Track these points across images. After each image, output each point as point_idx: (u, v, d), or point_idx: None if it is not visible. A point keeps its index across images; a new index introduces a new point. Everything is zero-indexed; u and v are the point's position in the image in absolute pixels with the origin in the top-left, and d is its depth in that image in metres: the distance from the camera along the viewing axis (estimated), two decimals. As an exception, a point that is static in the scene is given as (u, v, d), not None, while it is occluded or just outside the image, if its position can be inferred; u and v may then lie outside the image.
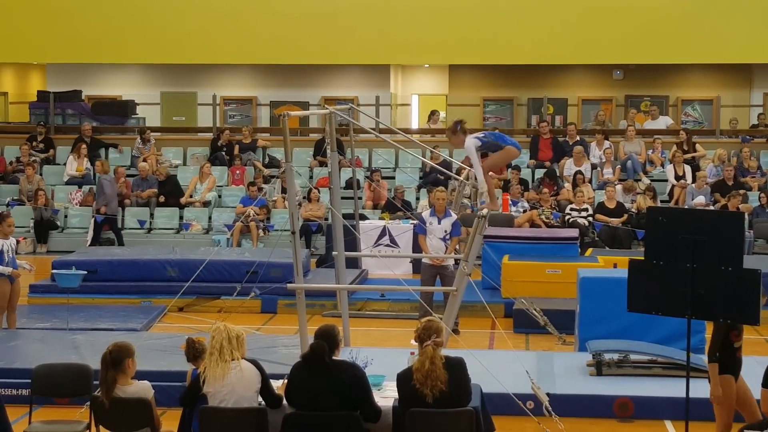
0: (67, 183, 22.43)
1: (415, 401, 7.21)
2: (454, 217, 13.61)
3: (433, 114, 24.68)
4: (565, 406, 9.62)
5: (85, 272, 13.92)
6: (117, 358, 7.35)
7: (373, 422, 7.40)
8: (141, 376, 7.62)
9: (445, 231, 13.42)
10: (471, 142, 10.45)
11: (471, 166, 10.70)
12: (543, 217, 19.65)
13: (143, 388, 7.41)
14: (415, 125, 27.41)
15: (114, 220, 20.66)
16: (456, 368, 7.31)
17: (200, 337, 7.96)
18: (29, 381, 8.51)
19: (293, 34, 23.92)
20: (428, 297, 12.79)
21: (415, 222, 15.75)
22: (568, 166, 21.67)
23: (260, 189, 20.73)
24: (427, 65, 27.46)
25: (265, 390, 7.38)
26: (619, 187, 20.69)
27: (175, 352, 10.87)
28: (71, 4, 24.34)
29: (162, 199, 21.55)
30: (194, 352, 7.74)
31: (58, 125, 24.45)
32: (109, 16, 24.22)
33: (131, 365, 7.42)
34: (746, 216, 19.28)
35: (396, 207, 19.51)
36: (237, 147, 22.91)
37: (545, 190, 20.45)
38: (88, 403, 7.77)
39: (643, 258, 8.23)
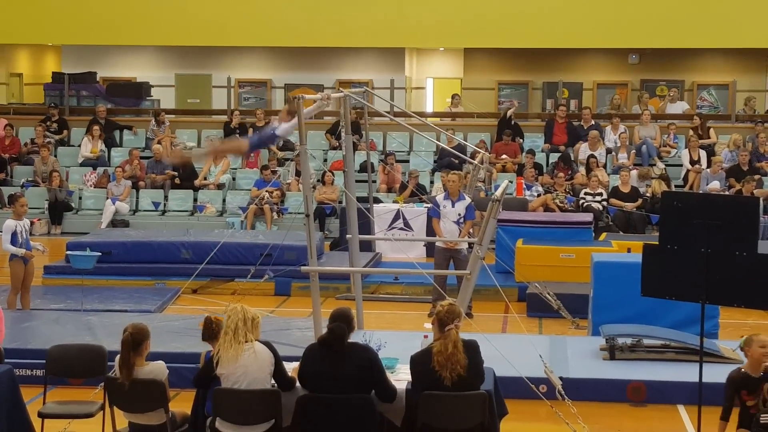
0: (82, 165, 22.48)
1: (432, 384, 7.21)
2: (468, 200, 13.61)
3: (454, 97, 24.68)
4: (578, 390, 9.63)
5: (100, 254, 13.99)
6: (137, 340, 7.37)
7: (389, 402, 7.41)
8: (154, 357, 7.64)
9: (459, 214, 13.42)
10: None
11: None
12: (557, 201, 19.62)
13: (158, 369, 7.43)
14: (429, 109, 27.39)
15: None
16: (470, 351, 7.31)
17: (219, 316, 7.93)
18: (44, 361, 8.54)
19: (308, 16, 23.90)
20: (442, 280, 12.79)
21: (429, 205, 15.75)
22: (583, 151, 21.63)
23: (274, 172, 20.74)
24: (442, 48, 27.41)
25: (278, 372, 7.38)
26: (633, 172, 20.64)
27: (189, 334, 10.92)
28: (86, -14, 24.38)
29: (177, 181, 21.57)
30: (211, 331, 7.72)
31: (73, 107, 24.49)
32: (125, -2, 24.26)
33: (148, 347, 7.45)
34: (761, 201, 19.18)
35: (411, 191, 19.53)
36: (251, 130, 22.91)
37: (560, 174, 20.43)
38: (102, 383, 7.80)
39: (657, 243, 8.21)
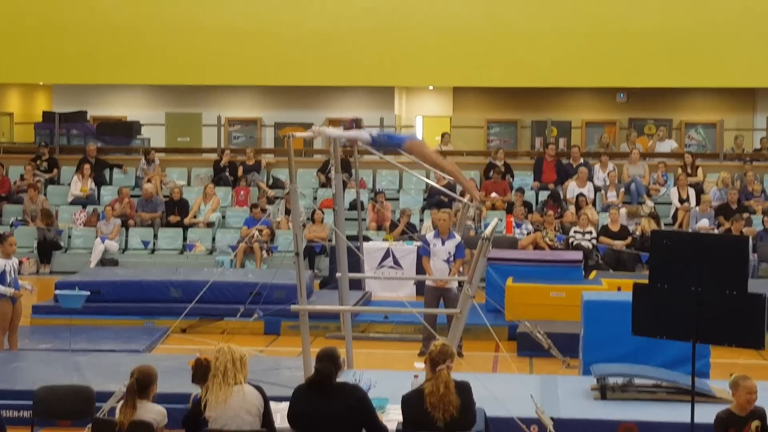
0: (71, 203, 22.45)
1: (425, 425, 7.17)
2: (458, 238, 13.61)
3: (443, 135, 24.74)
4: (569, 430, 9.56)
5: (88, 293, 13.92)
6: (143, 385, 7.25)
7: (381, 440, 7.37)
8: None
9: (449, 253, 13.42)
10: (364, 133, 10.58)
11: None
12: (547, 239, 19.63)
13: (155, 412, 7.29)
14: (419, 147, 27.36)
15: None
16: (462, 392, 7.28)
17: (209, 356, 7.81)
18: (31, 402, 8.48)
19: (298, 55, 23.98)
20: (432, 319, 12.75)
21: (418, 244, 15.73)
22: (572, 189, 21.67)
23: (264, 210, 20.72)
24: (431, 87, 27.50)
25: (265, 418, 7.29)
26: (623, 210, 20.68)
27: (178, 374, 10.82)
28: (77, 25, 24.41)
29: (173, 219, 21.54)
30: (203, 372, 7.51)
31: (63, 146, 24.48)
32: (115, 38, 24.28)
33: (154, 390, 7.32)
34: (750, 240, 19.24)
35: (402, 229, 19.52)
36: (241, 168, 22.93)
37: (549, 212, 20.45)
38: (90, 425, 7.73)
39: (647, 281, 8.21)
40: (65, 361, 11.83)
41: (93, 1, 24.51)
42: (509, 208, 21.08)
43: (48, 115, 25.13)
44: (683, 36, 23.29)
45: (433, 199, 21.26)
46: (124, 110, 26.67)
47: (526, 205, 21.06)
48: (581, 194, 21.15)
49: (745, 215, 20.25)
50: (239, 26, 24.12)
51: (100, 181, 23.13)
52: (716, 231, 19.75)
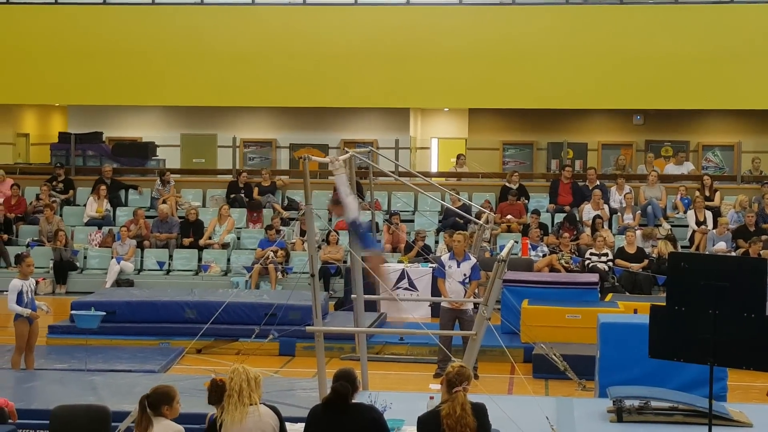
0: (87, 224, 22.50)
1: (442, 446, 7.13)
2: (474, 260, 13.59)
3: (459, 157, 24.72)
4: (585, 452, 9.53)
5: (104, 313, 13.95)
6: (153, 403, 7.22)
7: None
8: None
9: (465, 274, 13.40)
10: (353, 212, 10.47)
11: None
12: (563, 261, 19.58)
13: (173, 430, 7.24)
14: (434, 169, 27.44)
15: None
16: (479, 414, 7.25)
17: (224, 377, 7.76)
18: (47, 422, 8.48)
19: (313, 77, 24.01)
20: (447, 341, 12.72)
21: (434, 265, 15.73)
22: (588, 211, 21.62)
23: (279, 231, 20.73)
24: (446, 109, 27.51)
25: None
26: (639, 232, 20.62)
27: (194, 394, 10.81)
28: (92, 47, 24.48)
29: (187, 241, 21.57)
30: (218, 393, 7.47)
31: (79, 166, 24.55)
32: (130, 59, 24.34)
33: (168, 412, 7.25)
34: (768, 262, 19.15)
35: (417, 250, 19.49)
36: (256, 189, 22.95)
37: (565, 234, 20.40)
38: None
39: (664, 304, 8.17)
40: (81, 381, 11.86)
41: (108, 23, 24.60)
42: (525, 230, 21.06)
43: (64, 136, 25.22)
44: (700, 58, 23.24)
45: (448, 221, 21.22)
46: (140, 131, 26.74)
47: (542, 227, 21.03)
48: (597, 216, 21.11)
49: (763, 237, 20.17)
50: (254, 48, 24.17)
51: (115, 202, 23.18)
52: (734, 253, 19.66)
